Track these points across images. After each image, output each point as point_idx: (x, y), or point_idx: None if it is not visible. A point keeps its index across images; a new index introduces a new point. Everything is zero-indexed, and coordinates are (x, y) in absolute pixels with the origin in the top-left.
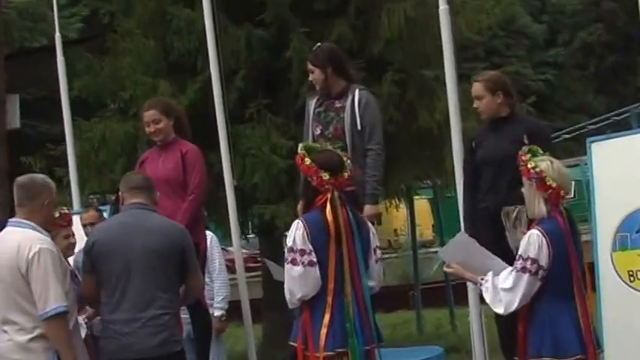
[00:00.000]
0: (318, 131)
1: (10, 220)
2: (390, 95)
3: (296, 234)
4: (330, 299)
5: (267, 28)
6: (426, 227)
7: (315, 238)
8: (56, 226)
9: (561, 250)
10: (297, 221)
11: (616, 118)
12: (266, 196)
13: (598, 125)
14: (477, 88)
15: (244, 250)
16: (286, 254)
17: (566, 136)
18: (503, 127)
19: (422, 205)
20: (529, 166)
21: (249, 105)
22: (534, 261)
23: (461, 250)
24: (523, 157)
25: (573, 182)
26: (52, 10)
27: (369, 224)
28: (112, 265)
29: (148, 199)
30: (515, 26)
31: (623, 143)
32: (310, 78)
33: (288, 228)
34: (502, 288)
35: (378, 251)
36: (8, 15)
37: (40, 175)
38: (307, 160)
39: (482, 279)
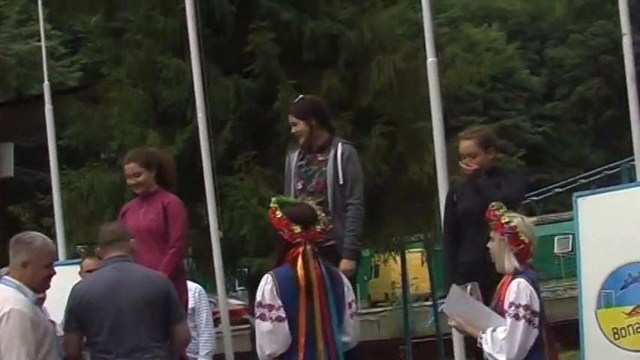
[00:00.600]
0: (299, 186)
1: (3, 277)
2: (378, 148)
3: (265, 288)
4: (301, 355)
5: (255, 79)
6: (422, 280)
7: (285, 292)
8: None
9: (541, 302)
10: (266, 275)
11: (608, 172)
12: (254, 248)
13: (589, 179)
14: (469, 145)
15: (237, 302)
16: (255, 309)
17: (559, 189)
18: (484, 180)
19: (418, 258)
20: (503, 221)
21: (238, 156)
22: (527, 307)
23: (461, 304)
24: (496, 212)
25: (571, 236)
26: (50, 58)
27: (344, 278)
28: (101, 320)
29: (126, 250)
30: (514, 80)
31: (609, 199)
32: (293, 130)
33: None
34: (500, 338)
35: (354, 305)
36: (6, 62)
37: (33, 234)
38: (278, 214)
39: (482, 332)
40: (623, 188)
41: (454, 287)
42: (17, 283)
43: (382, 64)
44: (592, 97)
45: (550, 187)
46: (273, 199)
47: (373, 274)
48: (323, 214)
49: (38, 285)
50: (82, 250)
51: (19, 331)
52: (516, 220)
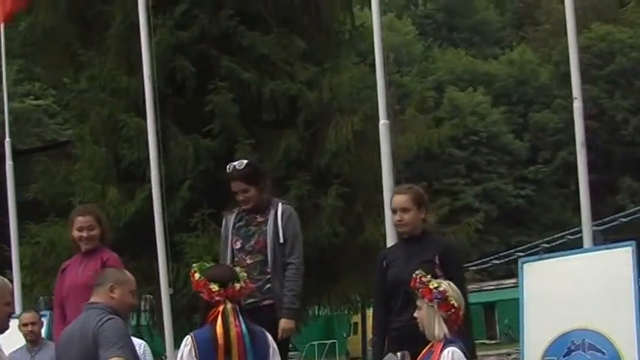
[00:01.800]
0: (238, 245)
1: None
2: (334, 208)
3: (184, 351)
4: None
5: (215, 138)
6: None
7: (203, 353)
8: None
9: None
10: (186, 337)
11: (570, 237)
12: None
13: (552, 244)
14: (403, 200)
15: None
16: None
17: (521, 254)
18: (414, 246)
19: None
20: (431, 286)
21: (194, 214)
22: None
23: None
24: (422, 279)
25: None
26: (45, 116)
27: (270, 339)
28: None
29: (96, 297)
30: (498, 143)
31: (554, 264)
32: (242, 197)
33: None
34: None
35: None
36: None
37: None
38: (197, 275)
39: None
40: (568, 255)
41: (389, 356)
42: None
43: (340, 125)
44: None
45: (512, 250)
46: (194, 264)
47: (352, 331)
48: (244, 273)
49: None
50: (41, 299)
51: None
52: (444, 285)
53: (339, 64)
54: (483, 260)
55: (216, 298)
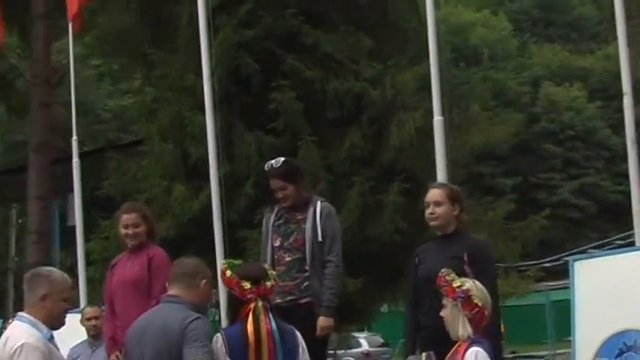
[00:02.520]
0: (277, 243)
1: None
2: (397, 205)
3: (216, 347)
4: None
5: (278, 135)
6: None
7: (233, 350)
8: None
9: None
10: (216, 334)
11: None
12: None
13: None
14: (437, 194)
15: None
16: None
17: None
18: (446, 244)
19: None
20: (454, 285)
21: (257, 211)
22: None
23: None
24: (447, 277)
25: None
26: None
27: (299, 338)
28: None
29: (180, 290)
30: (595, 138)
31: (606, 263)
32: (280, 195)
33: None
34: None
35: None
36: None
37: (49, 268)
38: (228, 273)
39: None
40: (621, 253)
41: (410, 358)
42: (32, 319)
43: (403, 121)
44: None
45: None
46: (224, 261)
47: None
48: (273, 272)
49: (56, 320)
50: None
51: None
52: (468, 283)
53: (401, 61)
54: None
55: (249, 295)
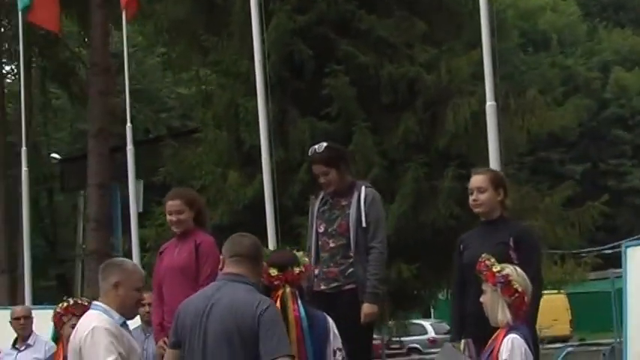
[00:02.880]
0: (322, 229)
1: (92, 302)
2: (451, 190)
3: None
4: None
5: (334, 121)
6: (562, 322)
7: None
8: (68, 313)
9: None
10: None
11: None
12: None
13: None
14: (480, 179)
15: None
16: None
17: None
18: (490, 230)
19: (559, 300)
20: (494, 269)
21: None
22: None
23: None
24: (486, 262)
25: None
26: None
27: (331, 324)
28: (190, 342)
29: (241, 269)
30: None
31: None
32: (323, 180)
33: None
34: None
35: (339, 353)
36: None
37: (122, 258)
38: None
39: None
40: None
41: (446, 345)
42: (105, 307)
43: (458, 106)
44: None
45: None
46: None
47: None
48: (305, 258)
49: (128, 309)
50: None
51: (102, 345)
52: (508, 269)
53: (455, 46)
54: None
55: (275, 282)
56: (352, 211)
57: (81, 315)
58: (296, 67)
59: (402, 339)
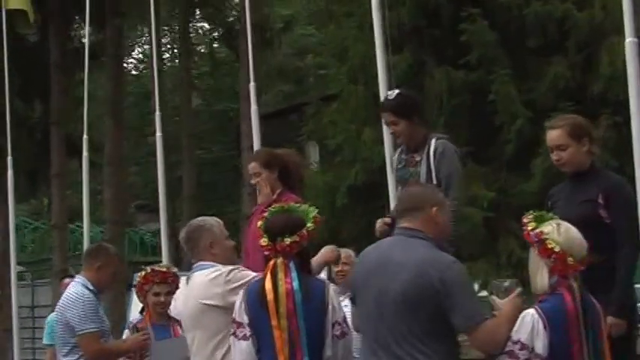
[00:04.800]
0: (397, 192)
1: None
2: (605, 140)
3: (237, 304)
4: None
5: (472, 70)
6: None
7: (251, 308)
8: (148, 281)
9: (562, 336)
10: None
11: None
12: (466, 250)
13: None
14: (557, 135)
15: None
16: None
17: None
18: (578, 184)
19: None
20: (529, 228)
21: None
22: (524, 346)
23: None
24: (524, 220)
25: None
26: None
27: (331, 297)
28: (363, 300)
29: (415, 223)
30: None
31: None
32: (392, 130)
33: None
34: None
35: (337, 326)
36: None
37: (200, 219)
38: (259, 223)
39: None
40: None
41: (495, 283)
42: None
43: (615, 46)
44: None
45: None
46: (271, 208)
47: None
48: (311, 225)
49: (228, 259)
50: None
51: (250, 277)
52: (547, 227)
53: None
54: None
55: (265, 252)
56: (423, 167)
57: (160, 282)
58: (431, 14)
59: None
